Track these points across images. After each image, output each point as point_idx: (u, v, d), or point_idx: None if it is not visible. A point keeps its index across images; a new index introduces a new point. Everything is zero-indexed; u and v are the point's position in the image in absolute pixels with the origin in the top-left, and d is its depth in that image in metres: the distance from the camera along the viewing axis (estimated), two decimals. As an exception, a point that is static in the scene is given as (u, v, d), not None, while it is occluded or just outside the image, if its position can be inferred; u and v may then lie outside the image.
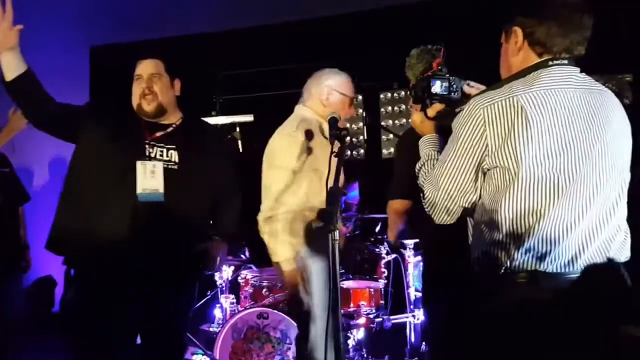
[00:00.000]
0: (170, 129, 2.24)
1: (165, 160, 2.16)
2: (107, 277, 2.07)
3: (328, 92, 2.42)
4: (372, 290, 3.20)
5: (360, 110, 4.00)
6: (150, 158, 2.14)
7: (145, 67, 2.20)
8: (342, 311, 3.12)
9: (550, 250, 1.33)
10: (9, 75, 2.04)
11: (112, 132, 2.14)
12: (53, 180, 5.46)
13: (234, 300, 3.51)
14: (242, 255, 3.66)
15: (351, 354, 3.04)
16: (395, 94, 3.99)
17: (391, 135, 3.93)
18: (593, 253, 1.36)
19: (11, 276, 3.25)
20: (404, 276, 3.29)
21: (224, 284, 3.51)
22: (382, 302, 3.28)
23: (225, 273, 3.50)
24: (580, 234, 1.35)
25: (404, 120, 3.95)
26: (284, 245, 2.33)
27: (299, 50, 4.71)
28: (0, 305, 3.12)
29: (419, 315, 3.17)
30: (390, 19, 4.49)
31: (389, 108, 4.00)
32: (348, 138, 2.59)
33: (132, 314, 2.11)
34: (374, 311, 3.20)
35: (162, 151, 2.18)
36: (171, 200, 2.12)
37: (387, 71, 4.26)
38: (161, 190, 2.11)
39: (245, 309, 3.05)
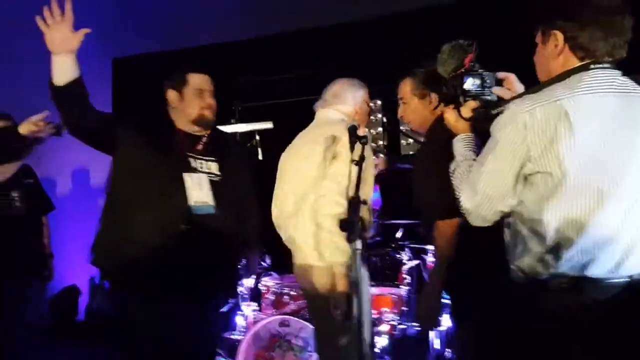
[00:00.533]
0: (204, 139, 2.29)
1: (207, 173, 2.22)
2: (160, 290, 2.07)
3: (362, 100, 2.45)
4: (394, 296, 3.17)
5: (380, 115, 3.98)
6: (195, 170, 2.18)
7: (206, 82, 2.27)
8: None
9: (595, 257, 1.32)
10: (61, 80, 1.98)
11: (152, 144, 2.16)
12: (76, 189, 5.55)
13: (256, 308, 3.49)
14: (263, 263, 3.65)
15: (374, 361, 3.00)
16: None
17: (411, 140, 3.90)
18: (638, 259, 1.34)
19: (34, 285, 3.29)
20: (425, 282, 3.24)
21: (245, 292, 3.50)
22: (404, 308, 3.24)
23: (247, 281, 3.50)
24: (625, 239, 1.33)
25: (424, 125, 3.90)
26: None
27: (318, 57, 4.72)
28: (23, 314, 3.17)
29: (442, 321, 3.12)
30: (410, 23, 4.48)
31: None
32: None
33: (180, 322, 2.14)
34: (397, 318, 3.16)
35: (202, 163, 2.24)
36: (219, 212, 2.16)
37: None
38: (211, 202, 2.16)
39: (267, 317, 3.04)
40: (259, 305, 3.48)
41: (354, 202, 1.61)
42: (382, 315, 3.07)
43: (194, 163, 2.21)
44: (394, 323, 3.13)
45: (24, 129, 2.49)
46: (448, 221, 1.85)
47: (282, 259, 3.45)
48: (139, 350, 2.10)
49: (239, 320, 3.58)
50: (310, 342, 2.85)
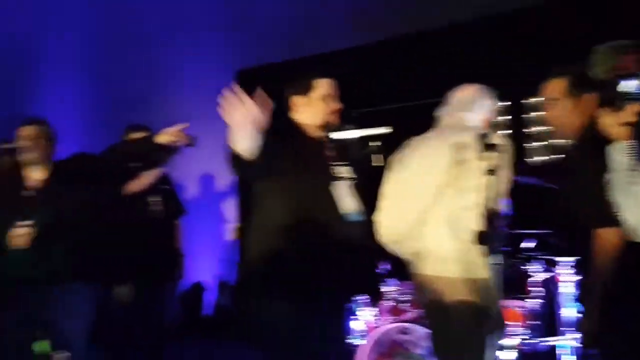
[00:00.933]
0: (329, 144, 2.31)
1: (345, 178, 2.24)
2: (317, 297, 2.10)
3: (491, 110, 2.38)
4: (523, 309, 3.01)
5: (502, 119, 3.80)
6: (337, 178, 2.21)
7: (331, 87, 2.29)
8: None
9: None
10: (242, 149, 1.95)
11: (295, 154, 2.15)
12: (203, 194, 5.93)
13: (374, 314, 3.49)
14: (384, 268, 3.64)
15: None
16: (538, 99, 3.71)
17: (535, 144, 3.67)
18: None
19: (168, 284, 3.54)
20: (556, 296, 3.05)
21: (364, 297, 3.51)
22: (534, 322, 3.07)
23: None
24: None
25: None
26: None
27: (436, 60, 4.62)
28: (159, 311, 3.43)
29: (574, 338, 2.91)
30: (532, 21, 4.24)
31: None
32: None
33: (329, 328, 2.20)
34: (525, 332, 3.00)
35: (338, 169, 2.25)
36: (364, 217, 2.21)
37: (533, 76, 4.04)
38: (357, 209, 2.19)
39: (387, 323, 3.02)
40: (376, 311, 3.48)
41: (491, 215, 1.54)
42: (511, 328, 2.93)
43: (336, 169, 2.22)
44: (523, 337, 2.97)
45: (161, 138, 2.61)
46: (609, 230, 1.66)
47: (401, 265, 3.42)
48: (283, 351, 2.12)
49: (356, 325, 3.60)
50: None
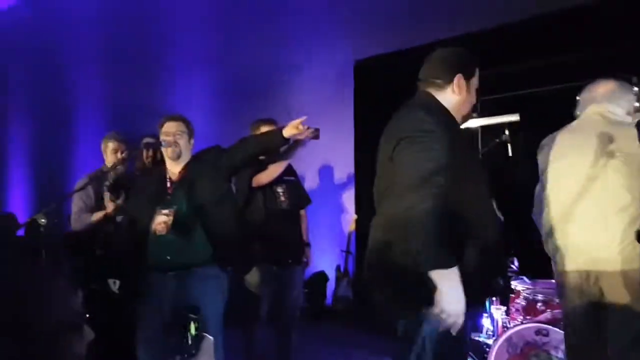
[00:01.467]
0: None
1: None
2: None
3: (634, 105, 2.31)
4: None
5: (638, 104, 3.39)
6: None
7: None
8: None
9: None
10: None
11: (463, 141, 1.96)
12: (322, 184, 6.03)
13: (505, 312, 3.33)
14: (512, 266, 3.45)
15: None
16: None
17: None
18: None
19: (296, 271, 3.65)
20: None
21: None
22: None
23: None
24: None
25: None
26: None
27: (566, 42, 4.28)
28: (287, 296, 3.54)
29: None
30: None
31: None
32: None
33: None
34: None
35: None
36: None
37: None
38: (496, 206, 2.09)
39: (522, 323, 2.85)
40: (507, 309, 3.31)
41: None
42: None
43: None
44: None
45: (288, 132, 2.67)
46: None
47: (530, 262, 3.22)
48: None
49: (486, 323, 3.46)
50: (574, 357, 2.58)
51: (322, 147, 3.86)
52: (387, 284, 1.83)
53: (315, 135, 2.90)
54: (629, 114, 2.27)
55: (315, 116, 4.27)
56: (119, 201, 3.14)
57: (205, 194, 2.73)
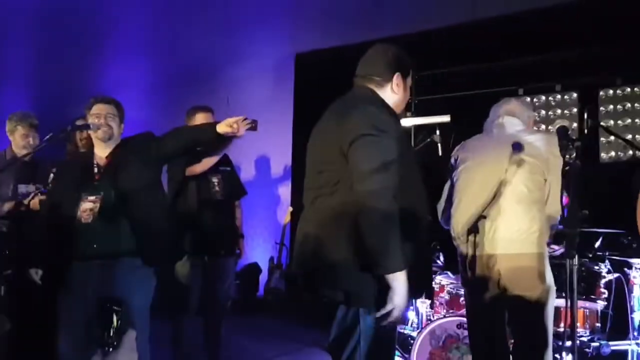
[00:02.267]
0: None
1: None
2: None
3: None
4: (587, 311, 2.89)
5: (575, 110, 3.64)
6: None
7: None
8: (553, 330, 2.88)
9: None
10: None
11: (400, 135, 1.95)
12: (258, 175, 6.01)
13: (430, 306, 3.45)
14: (438, 261, 3.58)
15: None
16: (618, 91, 3.54)
17: (612, 137, 3.48)
18: None
19: (228, 262, 3.61)
20: (627, 299, 2.91)
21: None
22: (598, 325, 2.95)
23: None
24: None
25: (628, 121, 3.48)
26: None
27: (497, 49, 4.48)
28: (218, 287, 3.51)
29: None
30: (606, 7, 4.01)
31: (610, 107, 3.56)
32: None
33: None
34: (588, 334, 2.88)
35: None
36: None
37: (607, 65, 3.85)
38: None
39: (445, 316, 2.97)
40: (432, 303, 3.44)
41: (574, 214, 1.47)
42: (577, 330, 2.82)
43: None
44: (585, 339, 2.86)
45: (222, 129, 2.63)
46: None
47: (454, 258, 3.36)
48: None
49: (411, 316, 3.58)
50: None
51: (260, 138, 3.83)
52: (326, 279, 1.83)
53: (253, 127, 2.87)
54: (528, 126, 2.64)
55: (254, 107, 4.27)
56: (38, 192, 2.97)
57: (133, 181, 2.62)
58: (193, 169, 3.32)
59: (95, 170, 2.67)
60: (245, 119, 2.76)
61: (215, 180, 3.46)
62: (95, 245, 2.57)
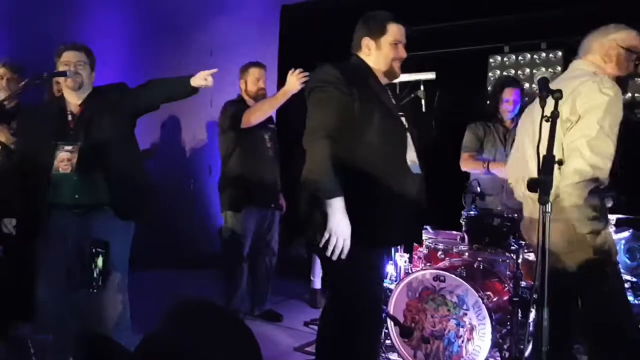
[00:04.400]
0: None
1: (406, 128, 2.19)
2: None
3: (609, 45, 2.28)
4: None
5: (559, 68, 3.62)
6: (404, 127, 2.17)
7: (402, 33, 2.20)
8: (524, 284, 2.98)
9: None
10: None
11: (377, 98, 2.11)
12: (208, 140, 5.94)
13: (407, 259, 3.53)
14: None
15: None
16: (505, 58, 3.48)
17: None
18: None
19: (276, 215, 3.85)
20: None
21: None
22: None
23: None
24: None
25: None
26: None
27: (483, 6, 4.43)
28: (272, 239, 3.81)
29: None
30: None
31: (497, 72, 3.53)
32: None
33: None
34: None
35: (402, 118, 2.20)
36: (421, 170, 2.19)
37: (592, 24, 3.83)
38: (417, 161, 2.15)
39: (422, 269, 3.05)
40: (410, 257, 3.52)
41: (548, 161, 1.50)
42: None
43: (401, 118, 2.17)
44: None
45: (196, 82, 2.65)
46: None
47: (434, 213, 3.42)
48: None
49: (389, 269, 3.67)
50: (465, 300, 2.82)
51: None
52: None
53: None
54: (605, 58, 2.28)
55: (239, 58, 4.19)
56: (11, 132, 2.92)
57: (108, 132, 2.59)
58: (249, 119, 3.46)
59: (70, 118, 2.63)
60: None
61: (266, 136, 3.67)
62: (77, 196, 2.56)
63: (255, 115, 3.47)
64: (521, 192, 2.43)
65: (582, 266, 2.09)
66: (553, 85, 1.85)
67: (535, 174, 1.60)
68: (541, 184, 1.48)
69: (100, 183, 2.57)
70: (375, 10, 2.24)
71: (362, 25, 2.23)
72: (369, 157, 2.01)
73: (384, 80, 2.24)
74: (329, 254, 1.90)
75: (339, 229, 1.88)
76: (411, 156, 2.12)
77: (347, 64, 2.20)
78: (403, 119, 2.18)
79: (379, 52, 2.18)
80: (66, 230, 2.57)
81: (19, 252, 2.70)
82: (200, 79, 2.62)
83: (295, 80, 3.24)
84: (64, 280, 2.54)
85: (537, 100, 2.25)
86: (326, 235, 1.89)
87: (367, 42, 2.19)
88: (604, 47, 2.27)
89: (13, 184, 2.70)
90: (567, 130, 2.12)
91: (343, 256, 1.90)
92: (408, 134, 2.15)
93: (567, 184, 2.07)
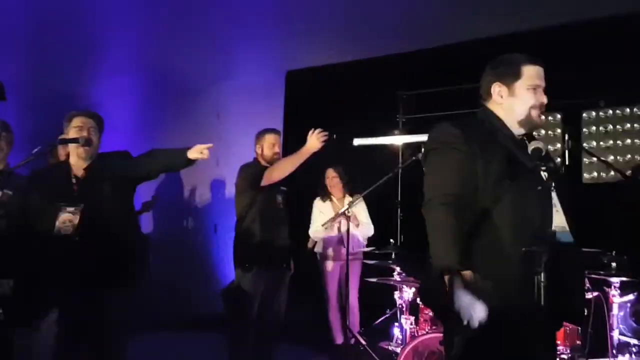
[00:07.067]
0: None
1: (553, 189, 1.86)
2: None
3: None
4: (567, 328, 2.92)
5: (559, 130, 3.71)
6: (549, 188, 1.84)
7: (541, 76, 1.92)
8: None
9: None
10: None
11: (507, 156, 1.83)
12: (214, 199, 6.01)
13: (414, 322, 3.47)
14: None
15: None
16: (601, 113, 3.60)
17: (594, 159, 3.55)
18: None
19: (286, 276, 3.75)
20: (607, 317, 2.96)
21: (403, 305, 3.49)
22: (578, 342, 2.98)
23: (406, 294, 3.49)
24: None
25: (610, 142, 3.55)
26: None
27: (484, 69, 4.54)
28: (278, 302, 3.67)
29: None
30: (590, 30, 4.10)
31: (593, 128, 3.62)
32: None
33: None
34: (568, 352, 2.92)
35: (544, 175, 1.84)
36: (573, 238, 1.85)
37: (591, 87, 3.92)
38: (567, 227, 1.79)
39: (427, 333, 2.99)
40: (417, 319, 3.46)
41: (542, 233, 1.50)
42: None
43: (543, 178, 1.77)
44: (565, 357, 2.89)
45: (192, 154, 2.66)
46: None
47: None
48: None
49: (396, 332, 3.59)
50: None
51: (250, 154, 3.88)
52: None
53: (327, 139, 3.27)
54: None
55: (245, 123, 4.29)
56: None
57: (109, 198, 2.62)
58: (271, 175, 3.50)
59: (74, 181, 2.66)
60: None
61: (279, 196, 3.69)
62: (74, 264, 2.52)
63: (278, 173, 3.52)
64: None
65: None
66: None
67: None
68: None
69: (101, 250, 2.56)
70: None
71: (490, 71, 1.95)
72: (497, 223, 1.72)
73: (519, 132, 1.92)
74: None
75: (465, 312, 1.56)
76: (559, 221, 1.77)
77: (470, 119, 1.95)
78: (545, 173, 1.74)
79: (513, 100, 1.89)
80: (66, 310, 2.54)
81: (16, 317, 2.67)
82: (197, 152, 2.66)
83: (315, 140, 3.28)
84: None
85: None
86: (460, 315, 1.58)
87: (498, 88, 1.90)
88: None
89: (13, 243, 2.70)
90: None
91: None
92: (554, 194, 1.80)
93: None
